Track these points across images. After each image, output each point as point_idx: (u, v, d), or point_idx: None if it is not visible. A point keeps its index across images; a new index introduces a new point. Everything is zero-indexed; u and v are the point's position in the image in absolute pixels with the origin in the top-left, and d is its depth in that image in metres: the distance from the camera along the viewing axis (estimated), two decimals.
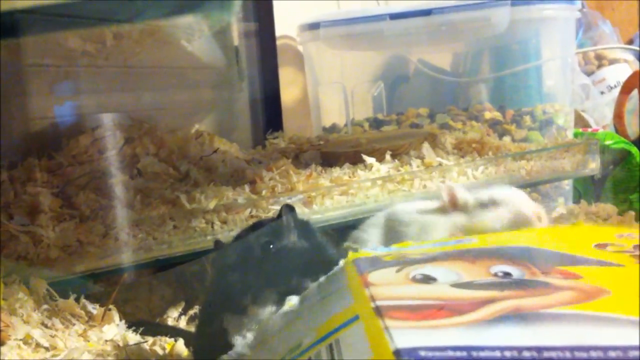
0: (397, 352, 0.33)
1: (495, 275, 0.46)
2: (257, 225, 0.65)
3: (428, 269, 0.48)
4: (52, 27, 0.99)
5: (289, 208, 0.64)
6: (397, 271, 0.48)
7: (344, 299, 0.44)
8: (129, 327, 0.73)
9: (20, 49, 1.00)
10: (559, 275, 0.45)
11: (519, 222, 0.73)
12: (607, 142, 1.25)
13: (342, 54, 1.46)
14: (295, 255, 0.60)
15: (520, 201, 0.76)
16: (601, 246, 0.55)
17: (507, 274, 0.46)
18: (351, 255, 0.53)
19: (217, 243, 0.66)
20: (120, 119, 1.04)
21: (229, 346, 0.51)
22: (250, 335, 0.51)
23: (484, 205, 0.76)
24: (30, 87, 1.02)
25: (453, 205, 0.79)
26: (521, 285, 0.43)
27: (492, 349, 0.33)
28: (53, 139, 1.00)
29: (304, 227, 0.64)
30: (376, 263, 0.51)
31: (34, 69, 1.03)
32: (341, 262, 0.52)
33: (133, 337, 0.71)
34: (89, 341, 0.68)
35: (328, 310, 0.45)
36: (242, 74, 1.38)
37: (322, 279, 0.52)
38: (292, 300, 0.52)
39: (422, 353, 0.32)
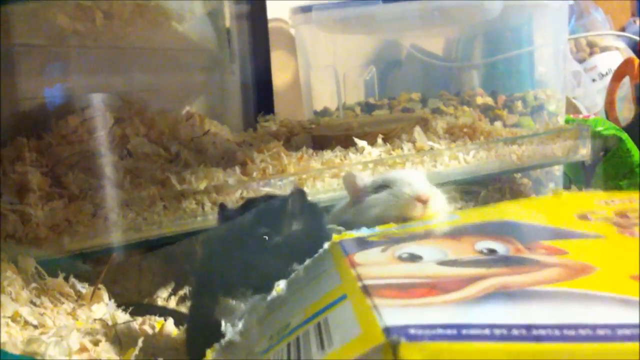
0: (387, 330, 0.33)
1: (481, 252, 0.46)
2: (266, 199, 0.64)
3: (413, 248, 0.48)
4: (40, 5, 0.98)
5: (300, 193, 0.63)
6: (383, 251, 0.48)
7: (331, 280, 0.45)
8: (118, 306, 0.73)
9: (8, 28, 0.99)
10: (543, 250, 0.45)
11: (400, 204, 0.67)
12: (599, 129, 1.25)
13: (335, 37, 1.45)
14: (297, 242, 0.60)
15: (409, 182, 0.69)
16: (583, 217, 0.55)
17: (492, 251, 0.46)
18: (335, 237, 0.54)
19: (222, 207, 0.65)
20: (110, 99, 1.03)
21: (221, 334, 0.50)
22: (240, 323, 0.51)
23: (378, 187, 0.71)
24: (19, 67, 1.01)
25: (354, 194, 0.74)
26: (507, 262, 0.44)
27: (482, 326, 0.33)
28: (42, 119, 0.99)
29: (311, 210, 0.63)
30: (361, 244, 0.52)
31: (23, 49, 1.02)
32: (326, 245, 0.52)
33: (122, 317, 0.70)
34: (77, 320, 0.68)
35: (316, 291, 0.45)
36: (234, 57, 1.37)
37: (308, 262, 0.52)
38: (281, 286, 0.52)
39: (412, 331, 0.32)
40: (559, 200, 0.65)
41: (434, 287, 0.38)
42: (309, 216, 0.62)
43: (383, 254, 0.48)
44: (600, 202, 0.60)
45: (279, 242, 0.59)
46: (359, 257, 0.47)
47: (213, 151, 1.01)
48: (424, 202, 0.66)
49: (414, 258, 0.46)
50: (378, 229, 0.59)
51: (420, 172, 0.77)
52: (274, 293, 0.52)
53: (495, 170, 1.07)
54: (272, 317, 0.49)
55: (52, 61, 1.06)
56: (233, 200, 0.85)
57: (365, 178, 0.75)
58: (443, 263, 0.44)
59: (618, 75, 1.49)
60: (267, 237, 0.59)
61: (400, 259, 0.46)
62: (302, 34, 1.47)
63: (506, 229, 0.55)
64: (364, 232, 0.57)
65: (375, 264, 0.45)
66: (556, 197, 0.66)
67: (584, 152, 1.16)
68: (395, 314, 0.35)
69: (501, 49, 1.38)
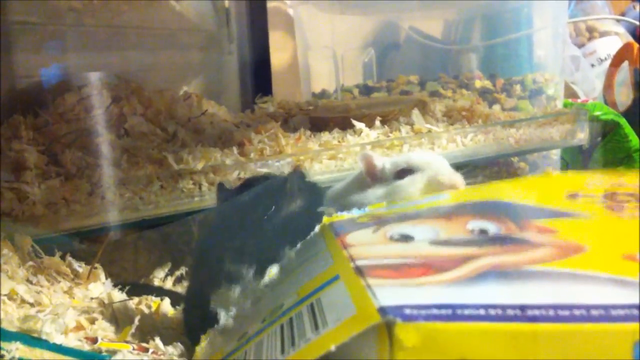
0: (382, 310, 0.33)
1: (472, 231, 0.46)
2: (263, 179, 0.64)
3: (405, 228, 0.48)
4: None
5: (299, 172, 0.63)
6: (374, 231, 0.48)
7: (323, 261, 0.45)
8: (114, 286, 0.73)
9: (5, 6, 0.98)
10: (534, 230, 0.45)
11: (433, 189, 0.69)
12: (597, 113, 1.25)
13: (333, 18, 1.44)
14: (297, 221, 0.60)
15: (437, 167, 0.71)
16: (573, 196, 0.55)
17: (483, 231, 0.46)
18: (326, 219, 0.54)
19: (220, 186, 0.65)
20: (107, 78, 1.03)
21: (216, 320, 0.51)
22: (234, 308, 0.51)
23: (400, 170, 0.72)
24: (16, 45, 1.01)
25: (371, 175, 0.74)
26: (499, 242, 0.44)
27: (477, 307, 0.33)
28: (39, 97, 0.99)
29: (311, 189, 0.63)
30: (352, 225, 0.51)
31: (19, 27, 1.01)
32: (317, 227, 0.52)
33: (119, 296, 0.70)
34: (74, 298, 0.68)
35: (308, 273, 0.45)
36: (232, 37, 1.36)
37: (299, 245, 0.52)
38: (273, 270, 0.52)
39: (407, 311, 0.32)
40: (549, 180, 0.65)
41: (427, 267, 0.38)
42: (309, 195, 0.62)
43: (374, 235, 0.47)
44: (590, 182, 0.60)
45: (279, 221, 0.59)
46: (350, 238, 0.47)
47: (211, 131, 1.00)
48: (455, 187, 0.68)
49: (405, 238, 0.46)
50: (368, 209, 0.59)
51: (441, 157, 0.78)
52: (266, 277, 0.52)
53: (493, 153, 1.07)
54: (265, 300, 0.49)
55: (49, 39, 1.05)
56: (231, 180, 0.85)
57: (381, 158, 0.75)
58: (435, 243, 0.44)
59: (617, 60, 1.49)
60: (267, 216, 0.59)
61: (392, 239, 0.46)
62: (300, 14, 1.47)
63: (497, 209, 0.54)
64: (354, 213, 0.57)
65: (367, 245, 0.45)
66: (547, 177, 0.66)
67: (582, 136, 1.16)
68: (389, 293, 0.35)
69: (500, 32, 1.38)
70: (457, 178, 0.69)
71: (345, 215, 0.55)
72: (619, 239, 0.43)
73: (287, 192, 0.60)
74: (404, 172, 0.71)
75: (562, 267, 0.37)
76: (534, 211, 0.53)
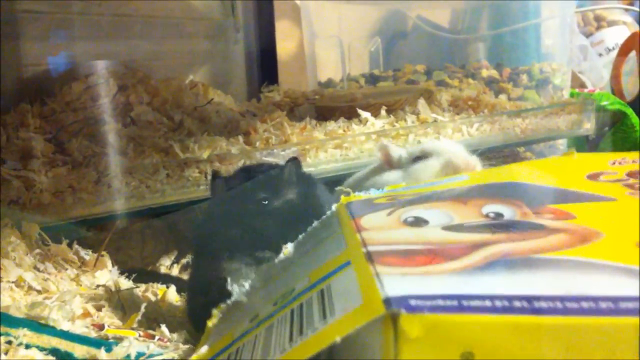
0: (388, 301, 0.32)
1: (487, 216, 0.45)
2: (261, 168, 0.64)
3: (419, 211, 0.47)
4: None
5: (295, 161, 0.63)
6: (389, 214, 0.47)
7: (337, 245, 0.44)
8: (121, 273, 0.74)
9: None
10: (551, 215, 0.44)
11: (449, 172, 0.70)
12: (603, 103, 1.24)
13: (340, 7, 1.44)
14: (291, 212, 0.60)
15: (451, 151, 0.73)
16: (593, 176, 0.54)
17: (498, 215, 0.46)
18: (343, 199, 0.53)
19: (214, 175, 0.65)
20: (113, 66, 1.03)
21: (225, 295, 0.51)
22: (247, 284, 0.51)
23: (416, 158, 0.74)
24: (24, 33, 1.01)
25: (388, 163, 0.77)
26: (512, 227, 0.43)
27: (483, 298, 0.32)
28: (46, 86, 0.99)
29: (306, 181, 0.63)
30: (368, 206, 0.50)
31: (27, 15, 1.01)
32: (334, 207, 0.51)
33: (125, 283, 0.71)
34: (81, 285, 0.68)
35: (321, 255, 0.45)
36: (238, 26, 1.36)
37: (315, 224, 0.52)
38: (288, 248, 0.52)
39: (413, 302, 0.32)
40: (570, 161, 0.63)
41: (436, 254, 0.38)
42: (304, 185, 0.62)
43: (389, 218, 0.47)
44: (613, 162, 0.58)
45: (275, 209, 0.59)
46: (365, 220, 0.46)
47: (216, 120, 1.01)
48: (472, 170, 0.70)
49: (419, 222, 0.45)
50: (386, 189, 0.59)
51: (456, 143, 0.79)
52: (281, 255, 0.51)
53: (499, 143, 1.07)
54: (279, 280, 0.49)
55: (56, 28, 1.05)
56: (229, 168, 0.85)
57: (398, 148, 0.77)
58: (448, 228, 0.43)
59: (624, 50, 1.48)
60: (264, 203, 0.59)
61: (406, 223, 0.45)
62: (307, 3, 1.46)
63: (515, 191, 0.53)
64: (371, 193, 0.56)
65: (381, 229, 0.44)
66: (568, 158, 0.64)
67: (588, 126, 1.15)
68: (396, 283, 0.34)
69: (507, 21, 1.37)
70: (472, 160, 0.70)
71: (362, 196, 0.55)
72: (635, 225, 0.41)
73: (285, 180, 0.60)
74: (420, 160, 0.73)
75: (575, 255, 0.36)
76: (552, 194, 0.52)
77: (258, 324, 0.42)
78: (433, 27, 1.43)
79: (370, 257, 0.38)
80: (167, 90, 1.03)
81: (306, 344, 0.35)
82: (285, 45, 1.50)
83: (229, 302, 0.50)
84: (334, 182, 0.88)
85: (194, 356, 0.44)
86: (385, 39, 1.43)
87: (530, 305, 0.32)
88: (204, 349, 0.45)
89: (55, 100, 0.95)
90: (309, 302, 0.39)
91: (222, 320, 0.50)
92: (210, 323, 0.50)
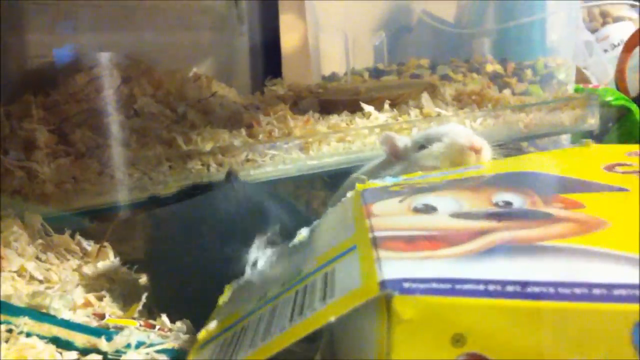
0: (382, 283, 0.33)
1: (496, 204, 0.46)
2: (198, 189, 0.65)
3: (430, 199, 0.48)
4: None
5: (233, 175, 0.63)
6: (400, 201, 0.48)
7: (347, 230, 0.44)
8: (123, 264, 0.74)
9: None
10: (560, 204, 0.44)
11: (454, 154, 0.67)
12: (608, 99, 1.24)
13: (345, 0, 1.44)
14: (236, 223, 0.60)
15: (455, 131, 0.70)
16: (610, 167, 0.53)
17: (508, 203, 0.46)
18: (359, 186, 0.53)
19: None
20: (117, 58, 1.03)
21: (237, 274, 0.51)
22: (259, 264, 0.52)
23: (421, 146, 0.71)
24: (27, 24, 1.01)
25: (394, 155, 0.75)
26: (519, 215, 0.43)
27: (477, 282, 0.32)
28: (50, 77, 0.99)
29: (251, 192, 0.63)
30: (382, 194, 0.51)
31: (30, 6, 1.01)
32: (349, 194, 0.52)
33: (127, 274, 0.71)
34: (82, 276, 0.69)
35: (331, 240, 0.46)
36: (242, 18, 1.36)
37: (330, 209, 0.52)
38: (303, 232, 0.52)
39: (406, 285, 0.32)
40: (587, 152, 0.63)
41: (440, 240, 0.38)
42: (249, 194, 0.62)
43: (400, 205, 0.47)
44: (629, 153, 0.58)
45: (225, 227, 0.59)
46: (377, 207, 0.46)
47: (220, 112, 1.01)
48: (477, 151, 0.67)
49: (428, 209, 0.45)
50: (402, 177, 0.59)
51: (462, 126, 0.77)
52: (296, 240, 0.52)
53: (503, 138, 1.07)
54: (291, 263, 0.49)
55: (60, 19, 1.06)
56: (239, 161, 0.86)
57: (403, 138, 0.75)
58: (455, 215, 0.43)
59: (629, 46, 1.48)
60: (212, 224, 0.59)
61: (415, 210, 0.45)
62: None
63: (527, 181, 0.53)
64: (387, 181, 0.56)
65: (390, 215, 0.45)
66: (585, 148, 0.64)
67: (592, 121, 1.15)
68: (394, 267, 0.35)
69: (512, 16, 1.37)
70: (477, 140, 0.68)
71: (378, 183, 0.55)
72: None
73: (230, 198, 0.61)
74: (424, 147, 0.71)
75: (577, 243, 0.36)
76: (565, 183, 0.52)
77: (265, 304, 0.43)
78: (438, 22, 1.43)
79: (375, 241, 0.39)
80: (171, 83, 1.03)
81: (303, 323, 0.35)
82: (289, 38, 1.50)
83: (240, 279, 0.51)
84: (336, 175, 0.89)
85: (203, 330, 0.45)
86: (390, 33, 1.43)
87: (523, 290, 0.32)
88: (212, 324, 0.46)
89: (59, 91, 0.95)
90: (313, 284, 0.39)
91: (233, 298, 0.50)
92: (221, 300, 0.50)
